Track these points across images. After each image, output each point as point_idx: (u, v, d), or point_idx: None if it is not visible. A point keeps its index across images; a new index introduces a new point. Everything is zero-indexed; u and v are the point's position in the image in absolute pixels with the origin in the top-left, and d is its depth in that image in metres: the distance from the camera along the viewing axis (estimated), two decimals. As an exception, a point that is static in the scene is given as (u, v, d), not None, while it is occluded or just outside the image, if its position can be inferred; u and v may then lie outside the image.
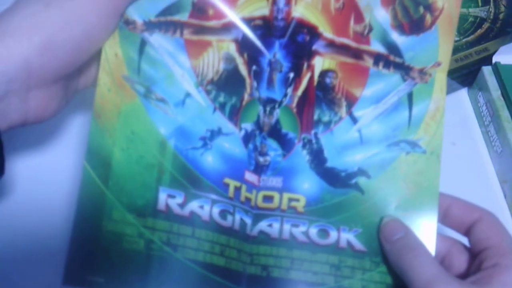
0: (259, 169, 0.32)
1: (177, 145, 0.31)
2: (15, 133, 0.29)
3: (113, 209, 0.29)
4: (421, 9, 0.32)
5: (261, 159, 0.32)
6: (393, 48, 0.32)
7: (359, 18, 0.32)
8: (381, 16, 0.32)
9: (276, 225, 0.31)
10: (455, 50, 0.45)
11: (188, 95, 0.32)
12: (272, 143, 0.32)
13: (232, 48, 0.32)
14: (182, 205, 0.30)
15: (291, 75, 0.32)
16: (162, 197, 0.30)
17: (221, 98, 0.32)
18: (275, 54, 0.32)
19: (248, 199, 0.31)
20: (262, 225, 0.31)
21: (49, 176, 0.39)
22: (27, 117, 0.28)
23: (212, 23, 0.32)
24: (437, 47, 0.32)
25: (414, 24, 0.32)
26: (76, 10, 0.28)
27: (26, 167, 0.40)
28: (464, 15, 0.47)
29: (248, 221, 0.31)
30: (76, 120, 0.43)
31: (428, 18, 0.32)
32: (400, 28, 0.32)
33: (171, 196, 0.30)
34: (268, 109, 0.32)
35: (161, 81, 0.31)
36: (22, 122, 0.29)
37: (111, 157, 0.29)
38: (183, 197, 0.30)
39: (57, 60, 0.28)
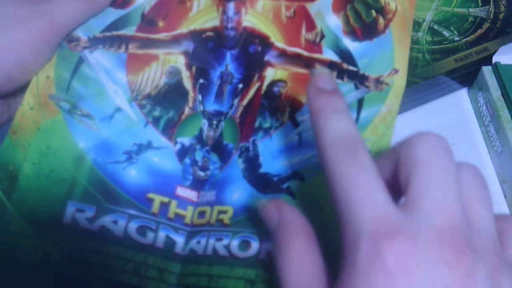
0: (199, 185, 0.31)
1: (96, 159, 0.30)
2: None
3: (11, 221, 0.28)
4: (373, 13, 0.30)
5: (201, 173, 0.31)
6: (346, 55, 0.30)
7: (311, 25, 0.31)
8: (333, 22, 0.30)
9: (203, 241, 0.29)
10: (455, 50, 0.44)
11: (118, 110, 0.31)
12: (213, 157, 0.31)
13: (180, 61, 0.32)
14: (91, 220, 0.29)
15: (240, 86, 0.31)
16: (70, 210, 0.29)
17: (156, 112, 0.31)
18: (227, 66, 0.31)
19: (180, 216, 0.30)
20: (193, 242, 0.30)
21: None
22: None
23: (161, 35, 0.32)
24: (392, 51, 0.29)
25: (366, 29, 0.30)
26: (10, 46, 0.27)
27: None
28: (464, 15, 0.46)
29: (180, 239, 0.30)
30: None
31: (381, 21, 0.30)
32: (353, 33, 0.30)
33: (80, 210, 0.29)
34: (215, 122, 0.31)
35: (91, 98, 0.31)
36: None
37: (19, 171, 0.29)
38: (94, 211, 0.30)
39: None
